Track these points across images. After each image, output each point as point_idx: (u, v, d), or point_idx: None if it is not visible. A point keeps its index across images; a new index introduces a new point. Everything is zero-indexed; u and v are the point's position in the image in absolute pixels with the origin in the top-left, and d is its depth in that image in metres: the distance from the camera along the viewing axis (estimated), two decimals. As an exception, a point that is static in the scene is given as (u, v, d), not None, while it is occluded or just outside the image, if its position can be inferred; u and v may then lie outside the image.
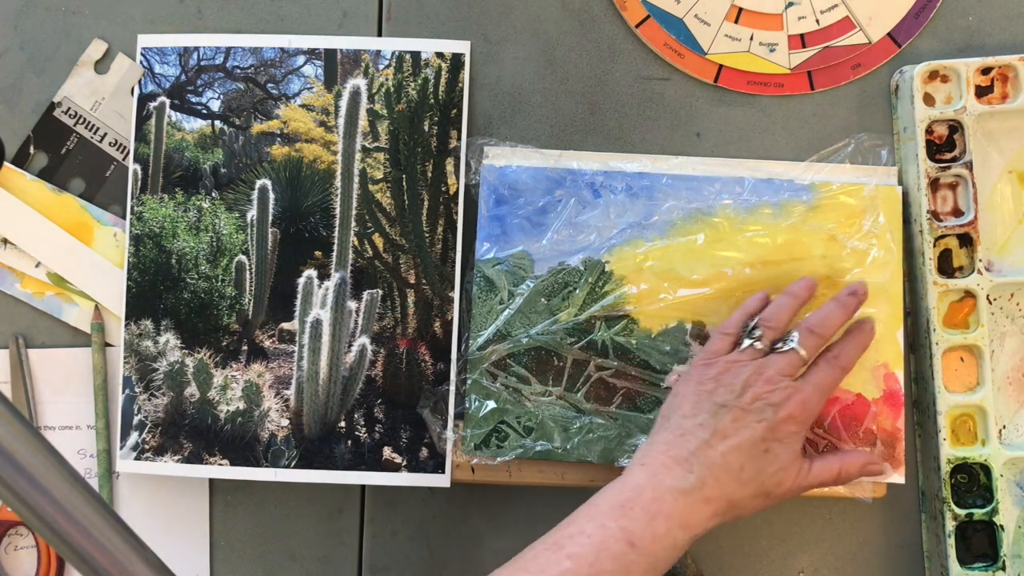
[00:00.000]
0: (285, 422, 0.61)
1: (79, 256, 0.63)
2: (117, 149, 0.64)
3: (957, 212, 0.61)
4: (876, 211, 0.59)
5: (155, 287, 0.62)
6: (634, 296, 0.59)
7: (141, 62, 0.63)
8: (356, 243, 0.61)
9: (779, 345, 0.52)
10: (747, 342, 0.52)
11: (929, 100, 0.61)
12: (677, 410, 0.51)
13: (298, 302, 0.61)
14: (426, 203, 0.61)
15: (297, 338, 0.61)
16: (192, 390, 0.61)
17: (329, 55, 0.62)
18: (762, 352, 0.52)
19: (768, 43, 0.62)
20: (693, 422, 0.50)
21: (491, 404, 0.59)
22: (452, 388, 0.60)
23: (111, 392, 0.63)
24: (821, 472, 0.51)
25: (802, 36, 0.62)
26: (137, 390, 0.61)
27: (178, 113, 0.62)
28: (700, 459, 0.48)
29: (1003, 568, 0.58)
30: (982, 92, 0.61)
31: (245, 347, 0.61)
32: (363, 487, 0.63)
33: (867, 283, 0.55)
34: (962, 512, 0.58)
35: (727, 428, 0.49)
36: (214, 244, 0.62)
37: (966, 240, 0.60)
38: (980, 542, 0.59)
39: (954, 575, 0.58)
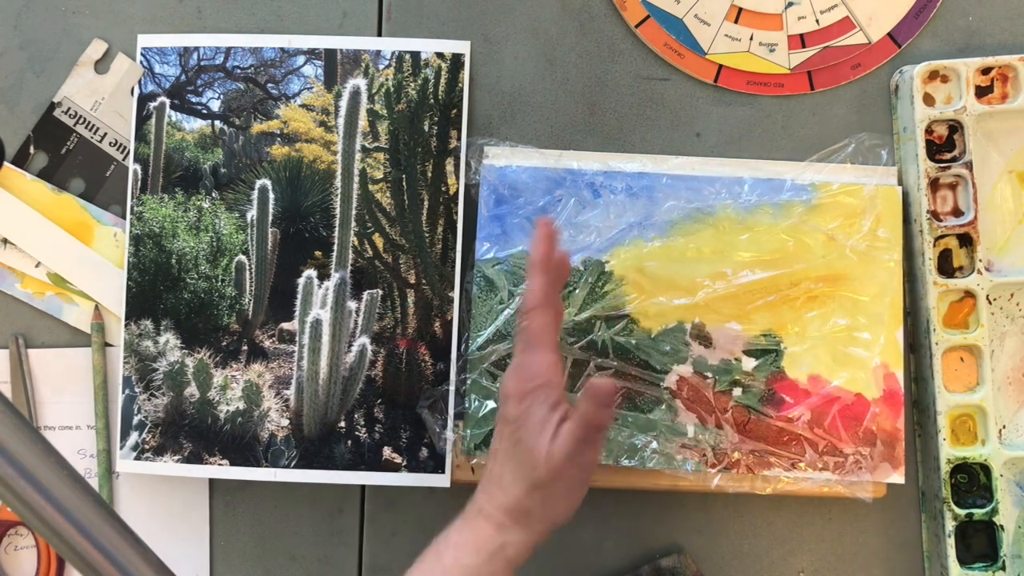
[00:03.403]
0: (285, 422, 0.61)
1: (79, 256, 0.63)
2: (117, 149, 0.64)
3: (957, 212, 0.61)
4: (876, 211, 0.59)
5: (155, 287, 0.62)
6: (634, 296, 0.59)
7: (141, 62, 0.63)
8: (356, 243, 0.61)
9: None
10: None
11: (929, 100, 0.61)
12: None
13: (298, 302, 0.61)
14: (426, 203, 0.61)
15: (297, 338, 0.61)
16: (192, 390, 0.61)
17: (329, 55, 0.62)
18: None
19: (768, 43, 0.62)
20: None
21: (491, 404, 0.59)
22: (452, 388, 0.60)
23: (111, 392, 0.63)
24: (569, 432, 0.47)
25: (802, 36, 0.62)
26: (137, 390, 0.61)
27: (178, 113, 0.62)
28: (480, 484, 0.50)
29: (1003, 568, 0.58)
30: (982, 92, 0.61)
31: (245, 347, 0.61)
32: (363, 487, 0.63)
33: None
34: (962, 512, 0.58)
35: (495, 447, 0.50)
36: (214, 244, 0.62)
37: (966, 240, 0.60)
38: (980, 542, 0.59)
39: (954, 575, 0.58)
